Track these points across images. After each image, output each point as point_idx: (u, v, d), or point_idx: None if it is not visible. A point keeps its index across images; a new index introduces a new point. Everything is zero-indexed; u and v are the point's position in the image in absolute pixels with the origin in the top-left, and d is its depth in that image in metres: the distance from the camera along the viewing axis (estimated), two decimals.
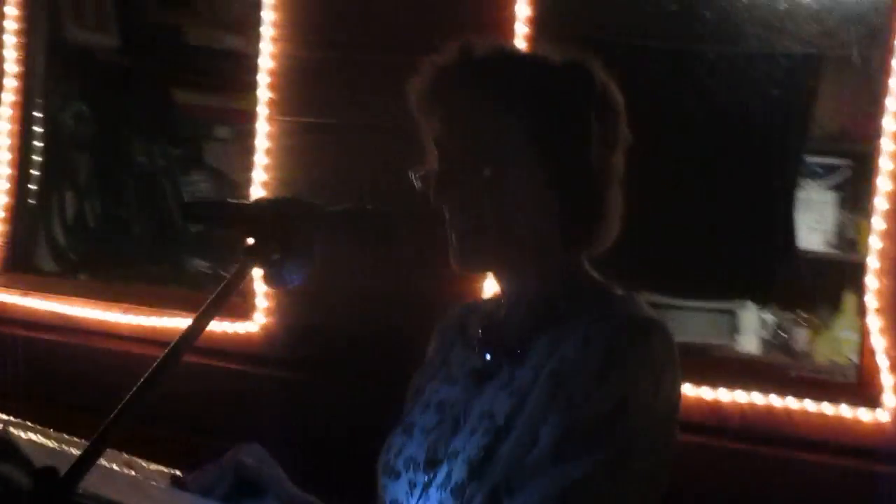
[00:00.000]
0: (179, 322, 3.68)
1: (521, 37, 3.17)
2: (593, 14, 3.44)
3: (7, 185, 3.81)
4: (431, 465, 2.19)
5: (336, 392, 3.45)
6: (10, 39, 3.88)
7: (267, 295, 3.63)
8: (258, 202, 2.14)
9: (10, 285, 3.94)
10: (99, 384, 3.52)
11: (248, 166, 3.48)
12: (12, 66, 3.88)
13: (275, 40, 3.45)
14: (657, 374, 2.06)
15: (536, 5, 3.21)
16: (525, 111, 2.13)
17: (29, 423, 2.30)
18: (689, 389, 3.06)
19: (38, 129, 4.02)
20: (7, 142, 3.86)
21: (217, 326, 3.69)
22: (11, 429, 2.18)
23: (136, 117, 4.53)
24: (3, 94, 3.87)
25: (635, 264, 3.63)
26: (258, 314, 3.66)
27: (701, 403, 3.15)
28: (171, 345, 1.83)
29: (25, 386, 3.78)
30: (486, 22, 3.19)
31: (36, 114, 4.01)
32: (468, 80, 2.18)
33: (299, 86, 3.44)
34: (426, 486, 2.18)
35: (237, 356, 3.66)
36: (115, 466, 2.24)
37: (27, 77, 3.93)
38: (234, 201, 2.14)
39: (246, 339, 3.66)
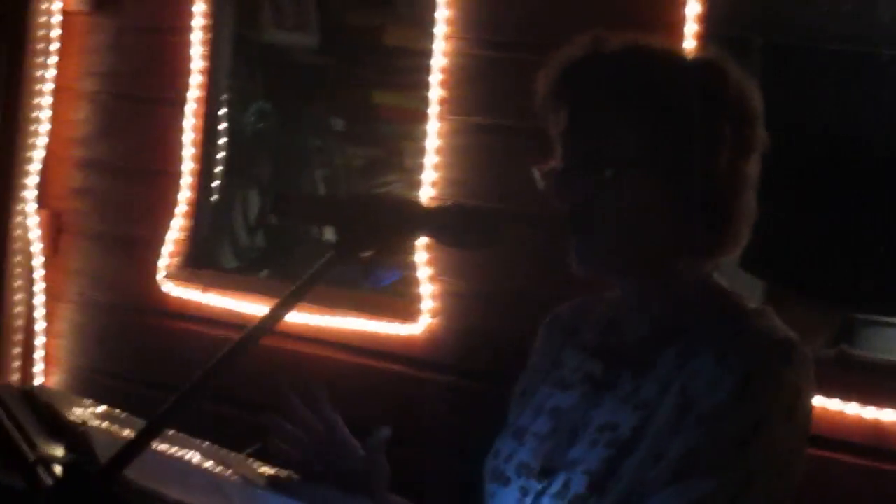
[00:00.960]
0: (351, 323, 3.74)
1: (690, 36, 3.09)
2: (766, 13, 3.39)
3: (190, 181, 3.88)
4: (546, 473, 2.19)
5: (503, 399, 3.42)
6: (198, 36, 3.94)
7: (433, 297, 3.60)
8: (351, 198, 2.22)
9: (190, 281, 4.00)
10: (269, 383, 3.77)
11: (433, 167, 3.48)
12: (198, 63, 3.96)
13: (448, 38, 3.45)
14: (793, 398, 2.04)
15: (707, 4, 3.13)
16: (649, 112, 2.11)
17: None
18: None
19: (222, 126, 4.07)
20: (192, 137, 3.94)
21: (381, 328, 3.71)
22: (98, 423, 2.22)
23: (331, 117, 4.60)
24: (189, 92, 3.95)
25: (844, 280, 3.61)
26: (423, 316, 3.62)
27: None
28: (244, 333, 1.86)
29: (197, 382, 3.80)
30: (657, 20, 3.14)
31: (221, 111, 4.06)
32: (594, 77, 2.16)
33: (470, 85, 3.43)
34: (539, 495, 2.19)
35: (400, 358, 3.66)
36: (194, 460, 2.29)
37: (213, 73, 4.01)
38: (327, 197, 2.16)
39: (409, 342, 3.64)
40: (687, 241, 2.17)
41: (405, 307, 3.70)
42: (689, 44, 3.10)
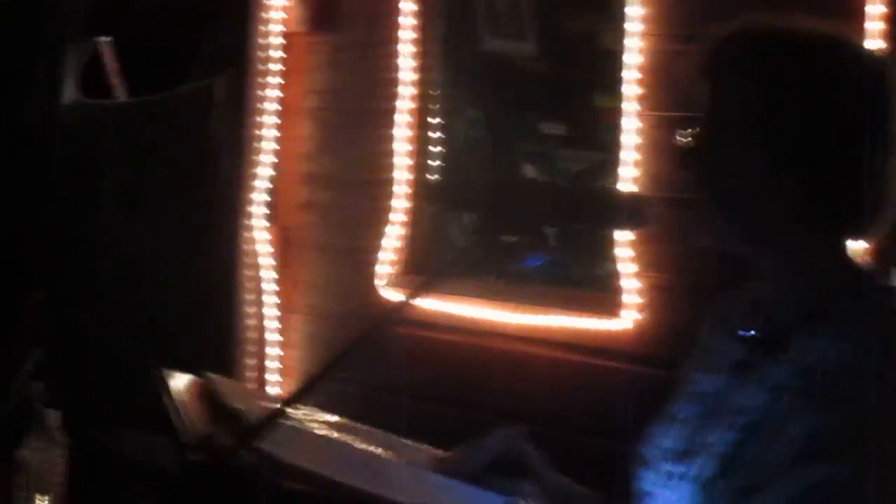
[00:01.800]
0: (564, 321, 3.82)
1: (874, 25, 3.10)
2: None
3: (407, 190, 4.03)
4: (686, 456, 2.25)
5: None
6: (408, 49, 4.12)
7: (640, 291, 3.66)
8: (493, 184, 2.36)
9: (409, 287, 4.09)
10: (484, 382, 4.00)
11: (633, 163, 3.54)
12: (409, 75, 4.13)
13: (643, 35, 3.54)
14: None
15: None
16: (782, 91, 2.15)
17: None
18: None
19: (434, 135, 4.21)
20: (406, 147, 4.10)
21: (585, 324, 3.79)
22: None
23: (546, 122, 4.64)
24: (401, 102, 4.11)
25: None
26: (627, 311, 3.68)
27: None
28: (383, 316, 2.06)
29: (413, 384, 3.99)
30: (838, 11, 3.10)
31: (432, 120, 4.21)
32: (731, 58, 2.23)
33: (665, 80, 3.50)
34: (680, 478, 2.25)
35: (605, 353, 3.72)
36: (359, 444, 2.44)
37: (423, 84, 4.18)
38: (471, 184, 2.26)
39: (615, 336, 3.71)
40: (814, 217, 2.18)
41: (609, 301, 3.76)
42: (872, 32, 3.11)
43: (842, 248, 2.25)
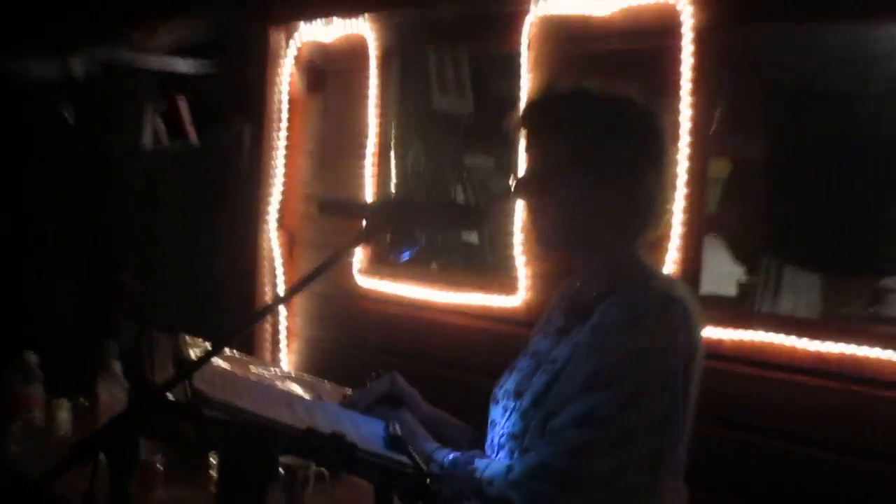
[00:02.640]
0: (475, 297, 4.14)
1: None
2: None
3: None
4: (517, 395, 2.36)
5: None
6: (373, 103, 4.49)
7: (528, 276, 3.93)
8: (376, 201, 2.19)
9: (374, 274, 4.52)
10: (423, 341, 4.23)
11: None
12: (373, 122, 4.52)
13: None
14: (670, 336, 2.16)
15: None
16: (571, 138, 2.28)
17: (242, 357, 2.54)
18: None
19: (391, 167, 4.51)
20: (371, 175, 4.50)
21: (491, 301, 4.10)
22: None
23: (479, 157, 5.06)
24: (368, 147, 4.49)
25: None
26: (521, 291, 4.00)
27: None
28: (286, 290, 2.10)
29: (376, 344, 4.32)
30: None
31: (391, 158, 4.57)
32: (540, 113, 2.35)
33: None
34: (512, 411, 2.36)
35: (505, 321, 4.03)
36: (266, 377, 2.48)
37: (384, 131, 4.53)
38: (358, 202, 2.25)
39: (512, 310, 4.03)
40: (613, 227, 2.30)
41: (509, 284, 4.05)
42: None
43: (632, 248, 2.34)
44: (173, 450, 3.13)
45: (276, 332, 4.92)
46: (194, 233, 5.33)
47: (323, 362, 4.67)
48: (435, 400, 2.59)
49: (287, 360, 4.86)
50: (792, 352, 3.28)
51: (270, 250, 4.93)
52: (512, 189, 2.40)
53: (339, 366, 4.42)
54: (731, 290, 4.25)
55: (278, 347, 4.86)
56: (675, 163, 2.45)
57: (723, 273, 4.37)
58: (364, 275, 4.58)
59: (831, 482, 3.14)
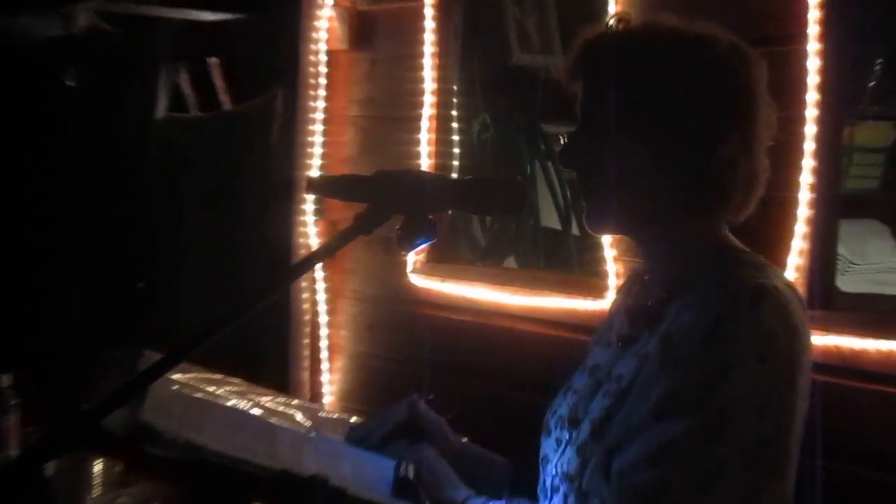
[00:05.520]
0: (556, 301, 4.12)
1: None
2: None
3: None
4: (573, 423, 2.34)
5: None
6: (429, 62, 4.49)
7: (618, 275, 3.88)
8: (378, 174, 2.17)
9: (433, 274, 4.52)
10: (494, 355, 4.30)
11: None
12: (430, 85, 4.51)
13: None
14: (764, 340, 2.08)
15: None
16: (631, 86, 2.22)
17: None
18: None
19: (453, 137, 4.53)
20: (428, 149, 4.48)
21: (576, 304, 4.06)
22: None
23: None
24: (424, 110, 4.47)
25: None
26: (610, 292, 3.90)
27: None
28: (258, 293, 1.96)
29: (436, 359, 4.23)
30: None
31: (453, 125, 4.58)
32: (604, 52, 2.28)
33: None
34: (567, 444, 2.34)
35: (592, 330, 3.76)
36: (259, 411, 2.48)
37: (443, 94, 4.55)
38: (355, 174, 2.22)
39: (600, 315, 3.76)
40: (686, 203, 2.25)
41: (596, 285, 4.01)
42: None
43: (711, 228, 2.30)
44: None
45: (315, 348, 4.97)
46: (219, 225, 5.37)
47: (371, 383, 4.76)
48: (506, 428, 2.62)
49: (329, 383, 4.94)
50: None
51: (308, 247, 4.95)
52: (561, 153, 2.35)
53: (389, 386, 4.51)
54: None
55: (319, 368, 4.93)
56: (771, 124, 2.27)
57: (887, 268, 4.26)
58: (421, 275, 4.63)
59: None
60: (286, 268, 2.36)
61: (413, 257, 4.60)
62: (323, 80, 4.94)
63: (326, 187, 2.64)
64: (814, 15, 3.38)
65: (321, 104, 4.94)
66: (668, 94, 2.19)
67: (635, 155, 2.21)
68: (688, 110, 2.19)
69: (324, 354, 5.03)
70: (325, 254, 2.13)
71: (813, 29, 3.42)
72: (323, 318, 5.01)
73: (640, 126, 2.20)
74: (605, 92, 2.23)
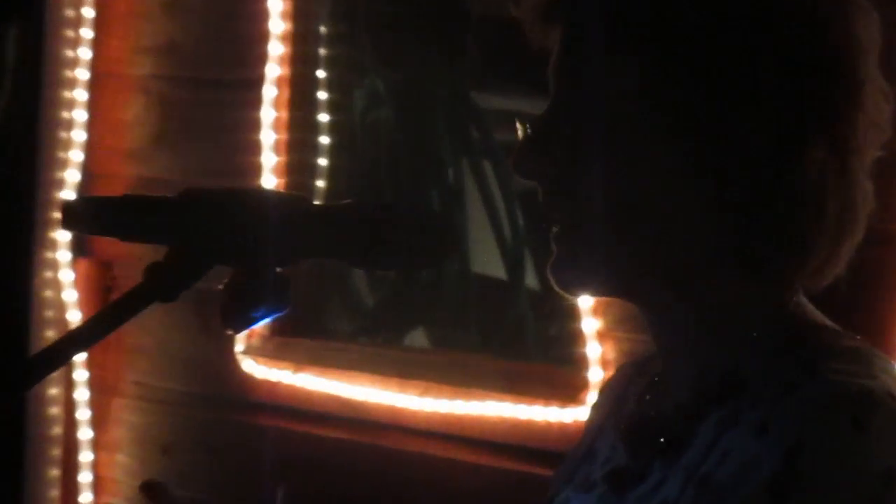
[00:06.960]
0: (498, 408, 3.64)
1: None
2: None
3: None
4: None
5: None
6: None
7: (604, 363, 3.49)
8: (186, 194, 1.67)
9: (277, 357, 3.98)
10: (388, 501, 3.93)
11: None
12: (280, 26, 3.92)
13: None
14: (877, 486, 1.74)
15: None
16: (649, 50, 1.83)
17: None
18: None
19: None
20: (273, 140, 3.88)
21: (532, 413, 3.59)
22: None
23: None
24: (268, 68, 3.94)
25: None
26: (591, 394, 3.49)
27: None
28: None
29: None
30: None
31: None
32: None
33: None
34: None
35: (556, 457, 3.29)
36: None
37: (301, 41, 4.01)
38: (144, 195, 1.69)
39: (573, 433, 3.36)
40: (740, 249, 1.85)
41: (565, 379, 3.69)
42: None
43: (778, 293, 1.89)
44: None
45: (70, 486, 4.34)
46: None
47: None
48: None
49: None
50: None
51: (61, 304, 4.36)
52: (518, 153, 1.89)
53: None
54: None
55: None
56: (882, 124, 1.78)
57: None
58: (260, 359, 4.05)
59: None
60: (16, 361, 1.71)
61: (241, 335, 4.09)
62: (89, 13, 4.29)
63: (94, 219, 1.80)
64: None
65: (86, 54, 4.32)
66: (709, 66, 1.77)
67: (662, 156, 1.82)
68: (742, 94, 1.76)
69: (85, 499, 4.37)
70: (93, 337, 1.65)
71: None
72: (85, 434, 4.37)
73: (660, 111, 1.80)
74: (607, 42, 1.88)
